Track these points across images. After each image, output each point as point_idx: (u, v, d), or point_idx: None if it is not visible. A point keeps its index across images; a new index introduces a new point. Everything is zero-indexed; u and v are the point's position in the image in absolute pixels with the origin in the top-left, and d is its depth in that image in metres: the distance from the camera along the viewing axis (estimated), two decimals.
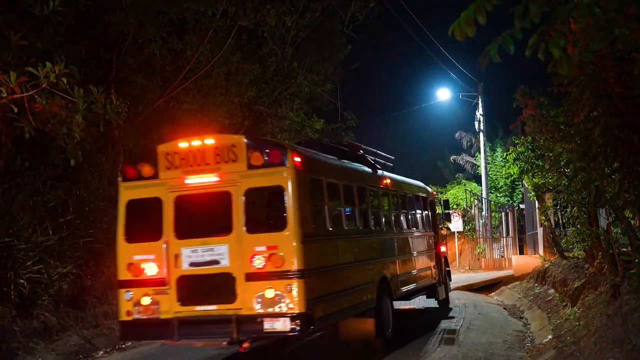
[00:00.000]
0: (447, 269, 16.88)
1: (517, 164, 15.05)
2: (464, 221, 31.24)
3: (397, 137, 45.15)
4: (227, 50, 17.53)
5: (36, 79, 7.51)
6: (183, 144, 9.15)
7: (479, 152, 34.19)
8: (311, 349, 11.94)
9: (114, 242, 14.87)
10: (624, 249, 11.21)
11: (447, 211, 18.87)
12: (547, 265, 17.18)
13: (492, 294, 21.21)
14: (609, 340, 8.00)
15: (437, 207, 17.12)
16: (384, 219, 12.44)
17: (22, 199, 12.49)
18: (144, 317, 9.07)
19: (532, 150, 13.76)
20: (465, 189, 36.03)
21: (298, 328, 8.40)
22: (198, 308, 8.87)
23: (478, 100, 32.38)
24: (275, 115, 21.96)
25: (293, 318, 8.37)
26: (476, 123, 32.96)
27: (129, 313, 9.17)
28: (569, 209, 13.70)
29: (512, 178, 31.52)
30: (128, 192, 9.44)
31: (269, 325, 8.46)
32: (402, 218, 13.62)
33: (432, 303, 16.05)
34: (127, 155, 14.79)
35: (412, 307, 16.31)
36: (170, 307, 8.96)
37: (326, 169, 10.29)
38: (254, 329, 8.59)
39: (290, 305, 8.40)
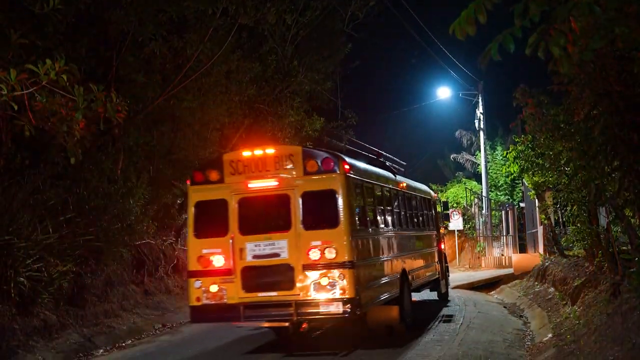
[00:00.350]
0: (446, 265, 18.33)
1: (517, 163, 15.04)
2: (464, 220, 31.24)
3: (397, 135, 45.11)
4: (227, 49, 17.53)
5: (36, 76, 7.50)
6: (246, 153, 10.57)
7: (479, 151, 34.17)
8: (336, 332, 12.95)
9: (114, 240, 14.94)
10: (624, 248, 11.21)
11: (446, 212, 21.06)
12: (547, 263, 17.17)
13: (492, 292, 21.22)
14: (609, 338, 8.01)
15: (438, 207, 18.69)
16: (402, 218, 13.89)
17: (22, 197, 12.48)
18: (212, 302, 10.39)
19: (532, 148, 13.73)
20: (466, 188, 36.01)
21: (349, 311, 9.85)
22: (261, 294, 10.27)
23: (478, 98, 32.35)
24: (275, 114, 21.95)
25: (345, 302, 9.82)
26: (476, 121, 32.94)
27: (198, 299, 10.48)
28: (569, 208, 13.70)
29: (512, 176, 31.41)
30: (197, 195, 10.80)
31: (324, 308, 9.92)
32: (414, 218, 15.11)
33: (433, 296, 17.42)
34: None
35: (415, 299, 16.73)
36: (236, 293, 10.30)
37: (365, 174, 11.69)
38: (311, 311, 10.03)
39: (342, 291, 9.83)
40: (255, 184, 10.47)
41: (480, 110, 32.25)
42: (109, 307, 14.48)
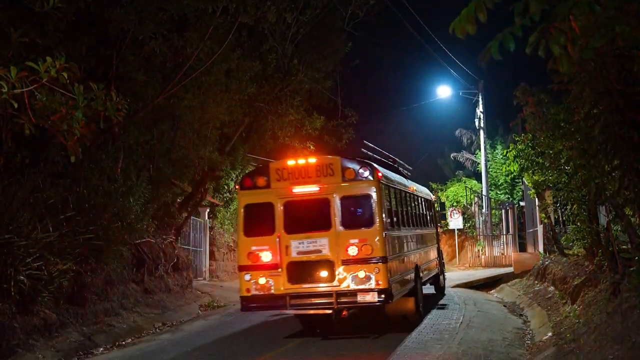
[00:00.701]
0: (442, 261, 19.91)
1: (517, 162, 15.05)
2: (464, 218, 31.23)
3: (397, 134, 45.07)
4: (227, 47, 17.49)
5: (36, 74, 7.50)
6: (291, 162, 12.03)
7: (479, 150, 34.15)
8: (355, 318, 13.99)
9: (114, 239, 14.96)
10: (624, 247, 11.20)
11: (443, 212, 23.80)
12: (547, 262, 17.16)
13: (492, 291, 21.22)
14: (608, 337, 8.01)
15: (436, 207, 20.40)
16: (414, 219, 15.39)
17: (22, 195, 12.47)
18: (261, 293, 11.73)
19: (532, 147, 13.73)
20: (466, 187, 35.99)
21: (383, 299, 11.30)
22: (304, 286, 11.66)
23: (478, 97, 32.33)
24: (275, 112, 21.93)
25: (379, 292, 11.27)
26: (476, 120, 32.93)
27: (248, 290, 11.83)
28: (569, 207, 13.69)
29: (512, 175, 31.47)
30: (246, 198, 12.25)
31: (361, 298, 11.33)
32: (421, 218, 16.60)
33: (431, 290, 18.56)
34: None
35: None
36: (282, 285, 11.70)
37: (391, 180, 13.22)
38: (349, 300, 11.47)
39: (377, 283, 11.27)
40: (299, 189, 11.90)
41: (480, 109, 32.24)
42: (109, 305, 14.48)
